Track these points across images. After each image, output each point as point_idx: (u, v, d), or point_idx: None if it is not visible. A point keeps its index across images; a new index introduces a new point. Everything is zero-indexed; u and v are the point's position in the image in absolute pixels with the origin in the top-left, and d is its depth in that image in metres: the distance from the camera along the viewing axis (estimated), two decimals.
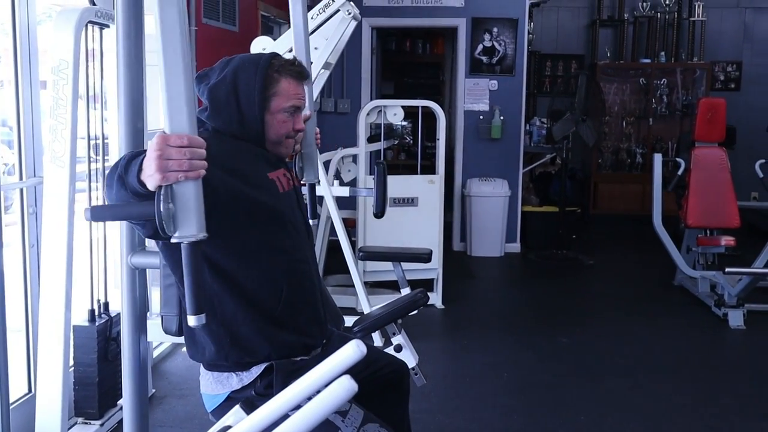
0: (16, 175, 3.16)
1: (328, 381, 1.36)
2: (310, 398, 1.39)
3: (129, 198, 1.50)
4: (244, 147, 2.01)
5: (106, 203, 1.56)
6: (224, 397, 2.01)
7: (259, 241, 1.94)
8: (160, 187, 1.37)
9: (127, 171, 1.48)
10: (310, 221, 2.61)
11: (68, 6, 3.22)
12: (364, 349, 1.36)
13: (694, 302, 5.65)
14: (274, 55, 2.05)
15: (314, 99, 4.76)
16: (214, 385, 2.02)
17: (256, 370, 1.98)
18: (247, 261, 1.93)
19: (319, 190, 4.71)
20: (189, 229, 1.38)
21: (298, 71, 2.05)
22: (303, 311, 2.05)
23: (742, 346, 4.90)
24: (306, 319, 2.06)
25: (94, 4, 3.00)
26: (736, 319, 5.09)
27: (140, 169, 1.43)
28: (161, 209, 1.36)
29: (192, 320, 1.42)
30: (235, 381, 1.99)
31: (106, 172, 1.55)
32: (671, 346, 4.81)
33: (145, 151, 1.44)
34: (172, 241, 1.38)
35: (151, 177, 1.38)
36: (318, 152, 2.53)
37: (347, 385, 1.32)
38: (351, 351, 1.35)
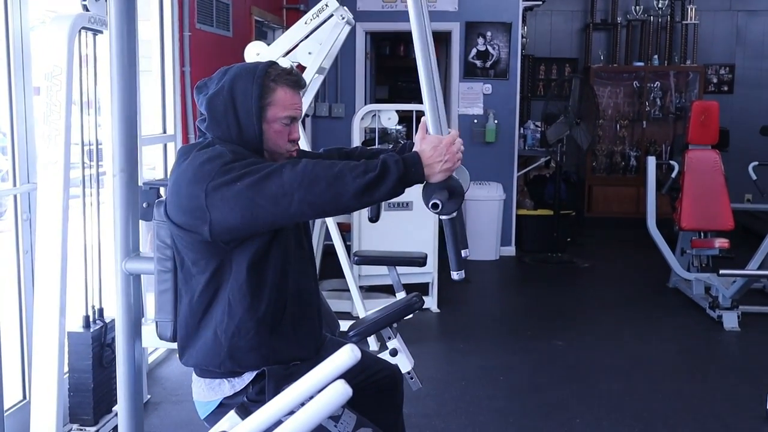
0: (10, 181, 3.16)
1: (322, 386, 1.36)
2: (304, 403, 1.39)
3: (398, 194, 1.79)
4: (246, 156, 2.01)
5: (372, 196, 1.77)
6: (217, 404, 2.01)
7: (270, 256, 1.95)
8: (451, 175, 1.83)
9: (409, 170, 1.78)
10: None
11: (61, 12, 3.22)
12: (358, 353, 1.36)
13: (688, 304, 5.66)
14: (271, 64, 2.05)
15: (309, 104, 4.78)
16: (206, 392, 2.02)
17: (248, 377, 1.98)
18: (263, 273, 1.93)
19: None
20: (452, 207, 1.83)
21: (295, 80, 2.05)
22: (302, 325, 2.05)
23: (737, 347, 4.91)
24: (304, 333, 2.06)
25: (87, 10, 3.00)
26: (730, 320, 5.11)
27: (422, 167, 1.80)
28: (463, 189, 1.87)
29: (455, 275, 1.89)
30: (227, 387, 1.99)
31: (356, 178, 1.77)
32: (666, 348, 4.82)
33: (393, 154, 1.81)
34: (446, 217, 1.85)
35: (447, 170, 1.82)
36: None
37: (341, 390, 1.32)
38: (345, 356, 1.35)
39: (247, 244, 1.90)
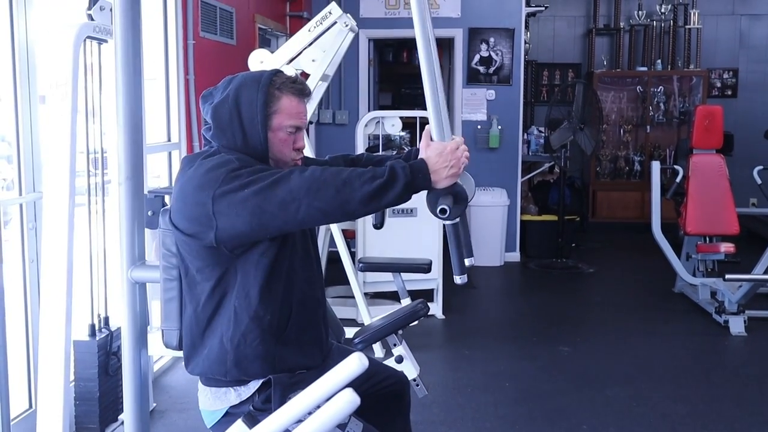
0: (15, 190, 3.16)
1: (330, 394, 1.36)
2: (311, 412, 1.39)
3: (405, 201, 1.82)
4: (254, 164, 2.01)
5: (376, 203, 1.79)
6: (223, 413, 2.00)
7: (276, 264, 1.94)
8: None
9: (416, 177, 1.81)
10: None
11: (66, 21, 3.23)
12: (366, 362, 1.36)
13: (694, 309, 5.65)
14: (276, 73, 2.05)
15: (313, 111, 4.79)
16: (212, 401, 2.01)
17: (254, 385, 1.98)
18: (269, 281, 1.93)
19: None
20: (457, 212, 1.86)
21: (300, 89, 2.05)
22: (307, 333, 2.05)
23: (744, 352, 4.90)
24: (309, 341, 2.06)
25: (92, 20, 3.01)
26: (737, 325, 5.09)
27: (428, 173, 1.83)
28: (467, 196, 1.90)
29: (458, 279, 1.99)
30: (233, 396, 1.99)
31: (348, 183, 1.80)
32: (672, 353, 4.80)
33: (400, 161, 1.83)
34: (449, 223, 1.93)
35: (453, 176, 1.85)
36: None
37: (350, 399, 1.32)
38: (353, 364, 1.35)
39: (252, 251, 1.90)
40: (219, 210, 1.79)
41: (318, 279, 2.15)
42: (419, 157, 1.90)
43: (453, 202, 1.84)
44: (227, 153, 1.94)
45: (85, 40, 2.98)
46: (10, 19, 3.06)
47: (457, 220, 1.92)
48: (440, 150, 1.84)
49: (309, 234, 2.15)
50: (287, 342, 1.98)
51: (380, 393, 2.27)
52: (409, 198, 1.83)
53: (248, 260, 1.91)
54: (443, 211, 1.82)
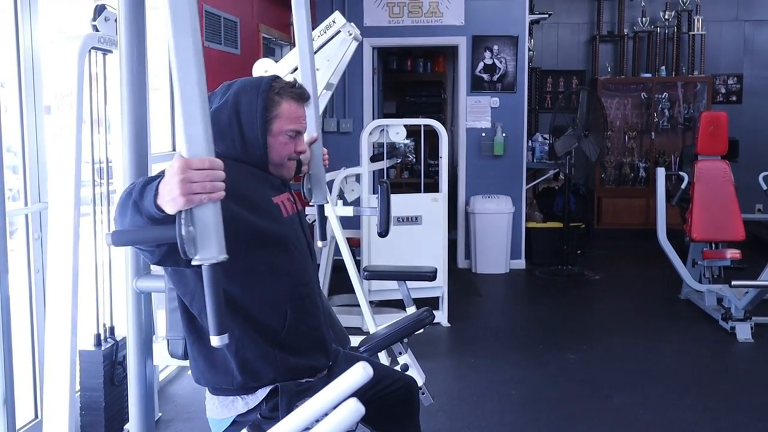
0: (21, 200, 3.17)
1: (335, 404, 1.35)
2: (317, 421, 1.38)
3: (143, 223, 1.50)
4: (248, 171, 2.02)
5: (119, 229, 1.55)
6: (230, 421, 2.00)
7: (263, 266, 1.94)
8: (180, 210, 1.37)
9: (143, 196, 1.48)
10: (320, 243, 2.61)
11: (71, 32, 3.25)
12: (371, 371, 1.36)
13: (701, 316, 5.63)
14: (275, 78, 2.06)
15: (319, 120, 4.80)
16: (219, 410, 2.01)
17: (262, 393, 1.98)
18: (252, 286, 1.93)
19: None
20: (210, 251, 1.38)
21: (299, 93, 2.07)
22: (307, 335, 2.05)
23: (751, 359, 4.88)
24: (310, 343, 2.06)
25: (97, 30, 3.02)
26: (743, 332, 5.07)
27: (156, 194, 1.43)
28: (183, 232, 1.35)
29: (216, 341, 1.41)
30: (240, 404, 1.99)
31: (116, 198, 1.56)
32: (679, 360, 4.78)
33: (157, 176, 1.45)
34: (193, 263, 1.37)
35: (173, 201, 1.37)
36: (325, 173, 2.54)
37: (354, 408, 1.31)
38: (358, 374, 1.35)
39: (231, 260, 1.87)
40: None
41: (315, 282, 2.15)
42: None
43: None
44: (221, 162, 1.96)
45: (90, 51, 2.99)
46: (16, 30, 3.08)
47: (206, 264, 1.39)
48: (169, 167, 1.39)
49: (305, 238, 2.15)
50: (286, 346, 1.98)
51: (388, 398, 2.27)
52: (152, 221, 1.49)
53: (241, 268, 1.88)
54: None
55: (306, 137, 2.18)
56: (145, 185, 1.51)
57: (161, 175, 1.46)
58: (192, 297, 1.90)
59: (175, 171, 1.36)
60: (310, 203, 2.46)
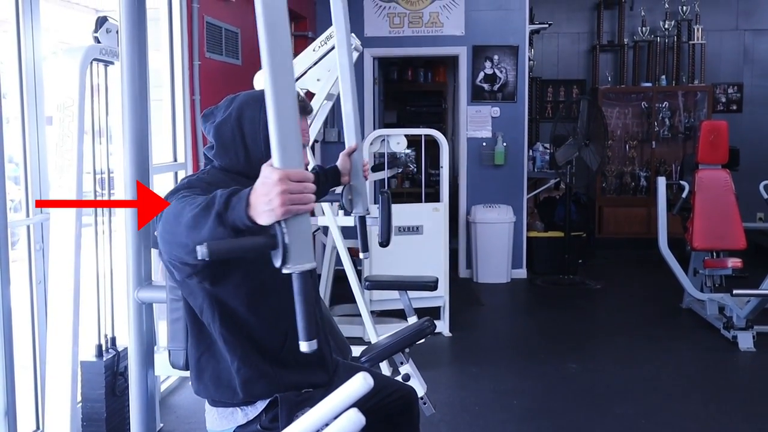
0: (23, 211, 3.18)
1: (335, 414, 1.36)
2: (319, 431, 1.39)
3: (225, 234, 1.50)
4: (252, 185, 2.02)
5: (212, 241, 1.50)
6: None
7: (267, 285, 1.94)
8: (278, 221, 1.39)
9: (229, 207, 1.50)
10: (362, 255, 2.59)
11: (73, 44, 3.26)
12: (371, 382, 1.36)
13: (702, 325, 5.62)
14: None
15: (318, 130, 4.81)
16: (219, 421, 2.01)
17: (261, 404, 1.98)
18: (256, 305, 1.94)
19: (324, 220, 4.73)
20: (302, 259, 1.40)
21: (301, 106, 2.07)
22: (306, 353, 2.04)
23: (753, 368, 4.87)
24: (310, 360, 2.05)
25: (98, 42, 3.04)
26: (745, 341, 5.06)
27: (248, 205, 1.45)
28: (286, 241, 1.38)
29: (305, 346, 1.43)
30: (240, 416, 1.99)
31: (183, 211, 1.57)
32: (681, 369, 4.77)
33: (238, 188, 1.51)
34: (285, 271, 1.39)
35: (270, 212, 1.39)
36: (366, 184, 2.53)
37: (355, 419, 1.32)
38: (358, 384, 1.35)
39: (225, 284, 1.89)
40: (159, 232, 1.73)
41: (317, 300, 2.15)
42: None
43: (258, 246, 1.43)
44: (220, 173, 1.97)
45: (91, 62, 3.01)
46: (18, 41, 3.09)
47: (298, 272, 1.42)
48: (264, 179, 1.42)
49: None
50: (286, 363, 1.98)
51: (388, 408, 2.27)
52: (231, 231, 1.50)
53: (225, 291, 1.90)
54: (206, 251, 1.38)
55: (346, 147, 2.19)
56: (229, 197, 1.52)
57: (236, 188, 1.52)
58: (201, 307, 1.92)
59: (275, 182, 1.38)
60: (351, 213, 2.46)
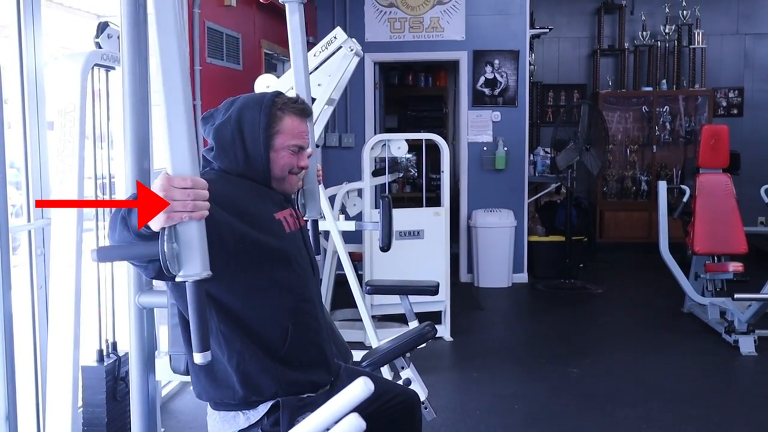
0: (24, 216, 3.18)
1: (337, 419, 1.36)
2: None
3: (132, 239, 1.50)
4: (251, 187, 2.03)
5: (109, 244, 1.57)
6: None
7: (265, 282, 1.95)
8: (164, 227, 1.39)
9: (131, 213, 1.48)
10: (318, 257, 2.61)
11: (75, 49, 3.27)
12: (371, 386, 1.36)
13: (704, 329, 5.61)
14: (278, 94, 2.08)
15: (319, 134, 4.82)
16: (221, 425, 2.01)
17: (263, 408, 1.98)
18: (253, 301, 1.93)
19: (325, 225, 4.72)
20: (193, 268, 1.40)
21: (301, 108, 2.09)
22: (309, 351, 2.05)
23: (754, 372, 4.86)
24: (311, 359, 2.06)
25: (100, 47, 3.04)
26: (747, 345, 5.05)
27: None
28: (165, 249, 1.38)
29: (198, 357, 1.43)
30: (242, 420, 1.98)
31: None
32: (682, 374, 4.77)
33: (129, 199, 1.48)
34: (177, 280, 1.40)
35: (156, 218, 1.39)
36: (320, 188, 2.55)
37: (356, 423, 1.32)
38: (359, 388, 1.35)
39: (219, 283, 1.87)
40: None
41: (318, 298, 2.15)
42: None
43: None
44: (223, 177, 1.98)
45: (93, 68, 3.01)
46: (19, 46, 3.10)
47: (189, 281, 1.41)
48: (153, 185, 1.41)
49: (308, 254, 2.16)
50: (287, 361, 1.98)
51: (390, 413, 2.26)
52: (139, 237, 1.48)
53: (218, 288, 1.89)
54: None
55: None
56: None
57: None
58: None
59: (158, 188, 1.38)
60: (304, 218, 2.47)
